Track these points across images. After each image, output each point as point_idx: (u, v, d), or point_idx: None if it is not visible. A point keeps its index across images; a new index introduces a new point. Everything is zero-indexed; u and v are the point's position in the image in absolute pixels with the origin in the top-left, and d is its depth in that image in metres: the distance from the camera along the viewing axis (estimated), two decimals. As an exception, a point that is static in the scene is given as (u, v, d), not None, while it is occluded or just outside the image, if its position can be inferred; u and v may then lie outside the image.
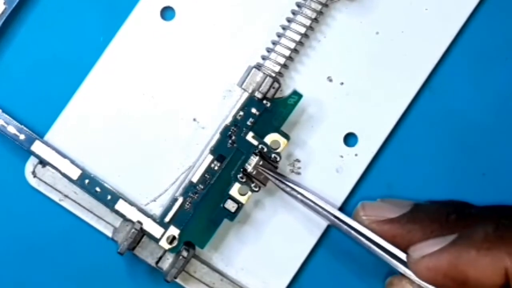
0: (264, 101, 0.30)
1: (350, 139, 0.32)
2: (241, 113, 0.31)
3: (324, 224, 0.32)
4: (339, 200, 0.32)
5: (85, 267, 0.32)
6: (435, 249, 0.25)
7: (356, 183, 0.32)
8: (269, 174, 0.28)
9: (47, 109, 0.31)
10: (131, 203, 0.31)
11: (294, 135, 0.32)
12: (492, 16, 0.33)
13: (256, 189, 0.31)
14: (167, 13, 0.31)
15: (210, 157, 0.31)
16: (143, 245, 0.31)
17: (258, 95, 0.30)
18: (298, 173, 0.32)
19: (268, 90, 0.30)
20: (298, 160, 0.32)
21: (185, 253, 0.31)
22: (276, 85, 0.30)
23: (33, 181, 0.31)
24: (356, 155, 0.32)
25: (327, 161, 0.32)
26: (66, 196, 0.31)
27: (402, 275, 0.27)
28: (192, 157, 0.32)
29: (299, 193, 0.29)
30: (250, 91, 0.30)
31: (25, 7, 0.31)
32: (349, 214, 0.31)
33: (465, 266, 0.24)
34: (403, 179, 0.33)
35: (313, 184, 0.32)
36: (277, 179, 0.29)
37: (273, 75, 0.30)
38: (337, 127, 0.32)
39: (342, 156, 0.32)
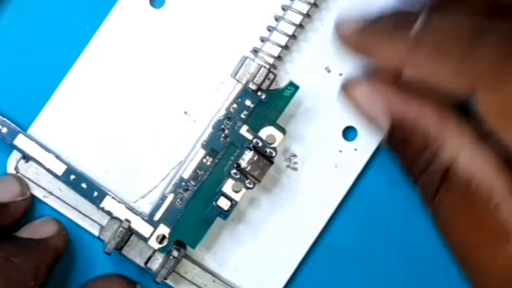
0: (259, 93, 0.30)
1: (349, 133, 0.31)
2: (235, 105, 0.30)
3: (321, 224, 0.32)
4: (338, 197, 0.32)
5: (70, 267, 0.31)
6: (354, 21, 0.25)
7: (355, 179, 0.32)
8: None
9: (30, 101, 0.30)
10: (119, 200, 0.30)
11: (290, 129, 0.31)
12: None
13: (251, 186, 0.30)
14: (156, 0, 0.31)
15: (202, 152, 0.30)
16: (131, 244, 0.30)
17: (252, 86, 0.29)
18: (295, 169, 0.31)
19: (263, 81, 0.29)
20: (294, 155, 0.31)
21: (175, 253, 0.30)
22: (271, 76, 0.29)
23: (15, 177, 0.31)
24: (355, 149, 0.31)
25: (325, 156, 0.31)
26: (50, 193, 0.31)
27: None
28: (183, 152, 0.31)
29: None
30: (244, 82, 0.29)
31: (7, -6, 0.30)
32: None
33: (368, 43, 0.25)
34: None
35: (310, 180, 0.31)
36: None
37: (268, 65, 0.30)
38: (336, 120, 0.31)
39: (341, 151, 0.31)
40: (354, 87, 0.25)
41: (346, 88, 0.25)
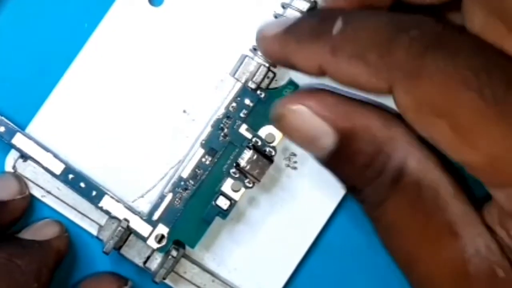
0: (258, 92, 0.29)
1: (349, 132, 0.31)
2: (234, 104, 0.29)
3: (321, 223, 0.31)
4: (338, 195, 0.31)
5: (68, 267, 0.31)
6: (272, 33, 0.25)
7: (355, 179, 0.31)
8: None
9: (28, 100, 0.30)
10: (118, 200, 0.30)
11: (290, 128, 0.30)
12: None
13: (250, 185, 0.29)
14: (155, -2, 0.30)
15: (201, 151, 0.30)
16: (130, 244, 0.30)
17: (251, 85, 0.29)
18: (295, 168, 0.31)
19: (263, 79, 0.29)
20: (294, 154, 0.31)
21: (174, 253, 0.30)
22: (270, 74, 0.29)
23: (13, 176, 0.30)
24: (355, 149, 0.31)
25: (325, 155, 0.31)
26: (48, 192, 0.30)
27: None
28: (181, 151, 0.30)
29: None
30: (243, 81, 0.29)
31: (5, -8, 0.30)
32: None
33: (288, 54, 0.25)
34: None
35: (310, 180, 0.31)
36: None
37: (268, 64, 0.29)
38: (336, 119, 0.31)
39: (341, 150, 0.31)
40: (294, 111, 0.25)
41: (282, 115, 0.25)
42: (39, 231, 0.30)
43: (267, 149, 0.29)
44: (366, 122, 0.24)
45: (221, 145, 0.29)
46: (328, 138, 0.24)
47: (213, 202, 0.29)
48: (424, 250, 0.23)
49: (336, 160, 0.25)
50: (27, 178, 0.30)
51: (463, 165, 0.22)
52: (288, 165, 0.31)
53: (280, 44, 0.25)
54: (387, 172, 0.23)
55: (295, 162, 0.31)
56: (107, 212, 0.30)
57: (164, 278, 0.30)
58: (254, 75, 0.29)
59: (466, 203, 0.23)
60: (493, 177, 0.22)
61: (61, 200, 0.30)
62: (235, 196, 0.29)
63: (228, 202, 0.29)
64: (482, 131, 0.21)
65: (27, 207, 0.30)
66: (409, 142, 0.23)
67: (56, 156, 0.30)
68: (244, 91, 0.29)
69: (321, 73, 0.24)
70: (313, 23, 0.24)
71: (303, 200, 0.31)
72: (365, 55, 0.22)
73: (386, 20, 0.23)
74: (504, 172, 0.21)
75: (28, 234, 0.30)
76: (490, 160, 0.21)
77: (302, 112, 0.25)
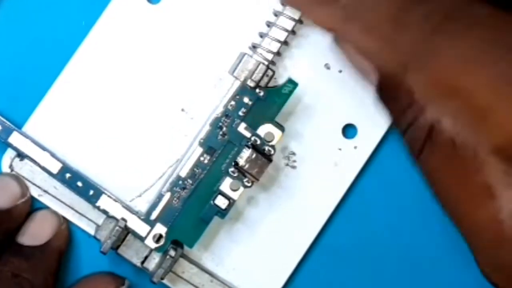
0: (257, 90, 0.29)
1: (349, 130, 0.31)
2: (233, 102, 0.29)
3: (320, 223, 0.31)
4: (337, 195, 0.31)
5: (66, 267, 0.31)
6: None
7: (355, 178, 0.31)
8: None
9: (25, 99, 0.30)
10: (115, 199, 0.30)
11: (289, 127, 0.30)
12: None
13: (249, 185, 0.29)
14: (153, -5, 0.30)
15: (200, 150, 0.29)
16: (127, 243, 0.30)
17: (250, 83, 0.29)
18: (294, 167, 0.31)
19: (262, 78, 0.29)
20: (293, 153, 0.31)
21: (172, 253, 0.29)
22: (270, 72, 0.29)
23: (10, 176, 0.30)
24: (355, 147, 0.31)
25: (324, 154, 0.31)
26: (45, 191, 0.30)
27: None
28: (180, 150, 0.30)
29: None
30: (242, 79, 0.29)
31: (1, -11, 0.30)
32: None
33: (305, 12, 0.26)
34: (405, 172, 0.31)
35: (309, 179, 0.31)
36: None
37: (267, 62, 0.29)
38: (335, 117, 0.31)
39: (340, 149, 0.31)
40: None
41: (341, 45, 0.25)
42: (38, 230, 0.30)
43: (266, 148, 0.29)
44: None
45: (220, 144, 0.29)
46: (372, 73, 0.24)
47: (212, 202, 0.29)
48: (463, 206, 0.23)
49: (382, 97, 0.24)
50: (23, 177, 0.30)
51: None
52: (287, 164, 0.31)
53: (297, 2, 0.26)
54: (419, 123, 0.23)
55: (294, 161, 0.31)
56: (104, 212, 0.30)
57: (162, 278, 0.29)
58: (253, 73, 0.29)
59: (508, 161, 0.22)
60: None
61: (58, 200, 0.30)
62: (234, 195, 0.29)
63: (226, 202, 0.29)
64: (502, 110, 0.21)
65: (30, 210, 0.30)
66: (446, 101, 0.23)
67: (53, 155, 0.30)
68: (243, 89, 0.29)
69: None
70: None
71: (302, 199, 0.31)
72: (376, 29, 0.22)
73: None
74: None
75: (27, 238, 0.30)
76: None
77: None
